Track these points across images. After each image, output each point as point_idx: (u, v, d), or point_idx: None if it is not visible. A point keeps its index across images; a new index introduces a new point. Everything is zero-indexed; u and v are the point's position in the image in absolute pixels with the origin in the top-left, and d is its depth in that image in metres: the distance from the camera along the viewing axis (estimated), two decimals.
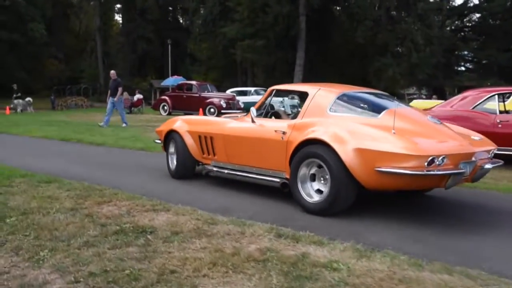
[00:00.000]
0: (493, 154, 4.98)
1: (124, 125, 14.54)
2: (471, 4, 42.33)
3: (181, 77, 29.67)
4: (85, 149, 10.05)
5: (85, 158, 8.59)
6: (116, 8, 56.09)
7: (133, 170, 7.44)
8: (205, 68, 52.64)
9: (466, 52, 44.32)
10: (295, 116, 5.51)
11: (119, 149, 10.07)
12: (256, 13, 35.32)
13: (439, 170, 4.21)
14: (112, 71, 15.03)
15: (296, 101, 13.53)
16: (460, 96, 8.61)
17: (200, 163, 6.43)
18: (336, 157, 4.52)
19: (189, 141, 6.34)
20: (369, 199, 5.62)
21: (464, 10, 42.86)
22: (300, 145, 4.86)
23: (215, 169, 6.07)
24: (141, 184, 6.24)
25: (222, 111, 17.26)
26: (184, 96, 20.09)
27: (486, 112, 7.90)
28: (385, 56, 35.69)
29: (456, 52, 43.51)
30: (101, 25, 46.49)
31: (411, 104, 11.64)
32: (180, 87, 20.99)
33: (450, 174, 4.28)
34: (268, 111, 5.93)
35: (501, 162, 5.18)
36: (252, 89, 24.71)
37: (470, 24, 44.66)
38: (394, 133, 4.36)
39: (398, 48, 37.57)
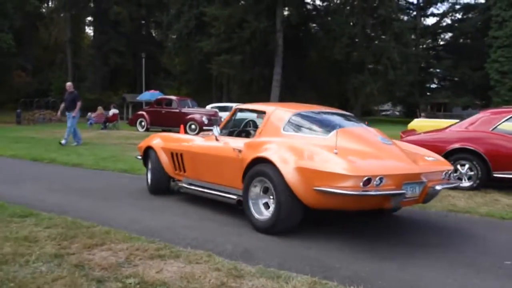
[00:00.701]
0: (448, 175, 4.87)
1: (63, 141, 12.87)
2: (444, 24, 42.88)
3: (158, 91, 28.49)
4: (61, 171, 8.97)
5: (63, 183, 7.54)
6: (87, 21, 54.61)
7: (121, 197, 6.46)
8: (178, 83, 51.60)
9: (439, 70, 44.87)
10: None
11: (100, 171, 9.03)
12: (233, 28, 34.73)
13: (378, 191, 4.15)
14: (69, 83, 13.58)
15: None
16: (474, 117, 7.94)
17: (174, 179, 6.48)
18: (280, 175, 4.52)
19: (163, 157, 6.47)
20: (395, 236, 4.82)
21: (437, 29, 43.37)
22: (251, 163, 4.90)
23: (184, 185, 6.13)
24: (134, 217, 5.29)
25: (204, 127, 16.32)
26: (163, 112, 19.05)
27: (507, 134, 7.25)
28: (363, 73, 35.53)
29: (430, 70, 43.94)
30: (71, 37, 44.93)
31: (411, 124, 10.99)
32: (158, 102, 19.92)
33: (387, 195, 4.24)
34: (236, 130, 6.10)
35: (456, 183, 5.04)
36: (234, 104, 23.76)
37: (443, 43, 45.28)
38: (336, 153, 4.32)
39: (372, 66, 37.53)
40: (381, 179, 4.14)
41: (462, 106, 42.18)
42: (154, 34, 53.87)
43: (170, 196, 6.51)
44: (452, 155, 7.41)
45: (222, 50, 35.47)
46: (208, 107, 20.78)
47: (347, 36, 34.89)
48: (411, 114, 46.03)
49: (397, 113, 66.23)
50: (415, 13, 41.71)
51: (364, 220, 5.42)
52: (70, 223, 4.79)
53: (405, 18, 42.10)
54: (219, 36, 35.25)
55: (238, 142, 5.34)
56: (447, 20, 43.36)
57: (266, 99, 34.50)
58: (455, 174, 7.43)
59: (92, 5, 47.30)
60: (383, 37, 37.26)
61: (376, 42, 36.31)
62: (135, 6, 43.71)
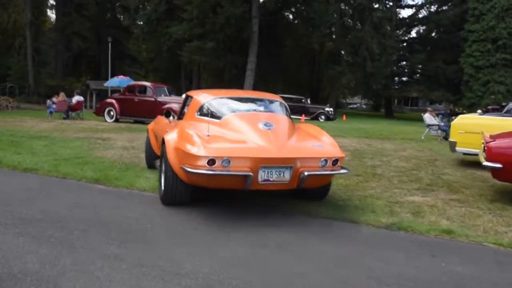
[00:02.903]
0: (331, 163, 4.73)
1: None
2: (420, 16, 41.13)
3: (128, 77, 25.23)
4: (6, 181, 6.19)
5: (5, 207, 4.79)
6: (49, 4, 50.14)
7: (101, 241, 3.86)
8: (145, 71, 48.28)
9: (408, 64, 43.28)
10: None
11: (60, 180, 6.32)
12: (206, 13, 31.81)
13: (225, 171, 4.34)
14: None
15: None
16: None
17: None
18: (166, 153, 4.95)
19: (152, 138, 6.88)
20: None
21: (413, 21, 41.65)
22: (162, 142, 5.27)
23: (157, 161, 6.37)
24: None
25: None
26: (136, 100, 16.08)
27: None
28: (339, 64, 33.36)
29: (402, 63, 42.26)
30: (32, 19, 40.71)
31: (458, 122, 8.75)
32: (131, 89, 16.85)
33: (231, 175, 4.37)
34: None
35: (339, 171, 4.86)
36: None
37: (415, 36, 43.68)
38: (208, 135, 4.67)
39: (350, 58, 35.47)
40: (228, 160, 4.33)
41: (436, 100, 40.75)
42: (120, 19, 50.02)
43: (189, 239, 4.01)
44: None
45: (194, 36, 32.56)
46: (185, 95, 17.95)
47: (326, 25, 32.55)
48: (388, 108, 44.45)
49: (364, 106, 64.82)
50: (391, 3, 39.66)
51: None
52: None
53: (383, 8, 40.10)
54: (191, 21, 32.26)
55: (171, 124, 5.88)
56: (423, 12, 41.64)
57: (237, 88, 31.88)
58: None
59: None
60: (358, 27, 35.29)
61: (354, 32, 34.14)
62: None
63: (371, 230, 4.62)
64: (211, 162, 4.30)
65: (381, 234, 4.52)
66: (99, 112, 17.08)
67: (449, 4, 39.23)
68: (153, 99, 15.74)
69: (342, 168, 4.96)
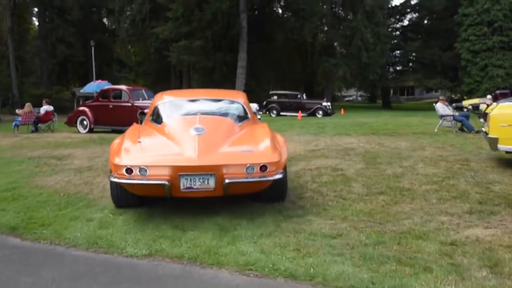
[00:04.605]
0: (258, 169, 4.31)
1: None
2: (412, 2, 39.11)
3: (105, 81, 22.98)
4: None
5: None
6: (34, 12, 47.68)
7: None
8: (134, 75, 46.18)
9: (399, 52, 41.36)
10: None
11: None
12: (192, 10, 29.70)
13: (142, 180, 4.19)
14: None
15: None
16: None
17: None
18: None
19: None
20: None
21: (405, 8, 39.63)
22: None
23: None
24: None
25: None
26: (111, 106, 13.94)
27: None
28: (334, 56, 31.28)
29: (398, 52, 40.30)
30: (13, 27, 38.43)
31: (497, 112, 6.72)
32: (104, 94, 14.66)
33: (147, 184, 4.20)
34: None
35: (271, 178, 4.36)
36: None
37: (408, 24, 41.69)
38: (139, 142, 4.53)
39: (344, 49, 33.41)
40: (144, 169, 4.19)
41: (433, 88, 38.87)
42: (106, 22, 47.77)
43: None
44: None
45: (181, 35, 30.49)
46: None
47: (317, 16, 30.45)
48: (385, 98, 42.57)
49: (360, 98, 62.78)
50: None
51: None
52: None
53: None
54: (177, 20, 30.18)
55: None
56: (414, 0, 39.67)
57: (229, 87, 29.87)
58: None
59: None
60: (349, 17, 33.32)
61: (346, 22, 32.06)
62: None
63: None
64: (129, 171, 4.20)
65: None
66: (71, 122, 14.89)
67: None
68: (129, 104, 13.61)
69: (278, 174, 4.46)
